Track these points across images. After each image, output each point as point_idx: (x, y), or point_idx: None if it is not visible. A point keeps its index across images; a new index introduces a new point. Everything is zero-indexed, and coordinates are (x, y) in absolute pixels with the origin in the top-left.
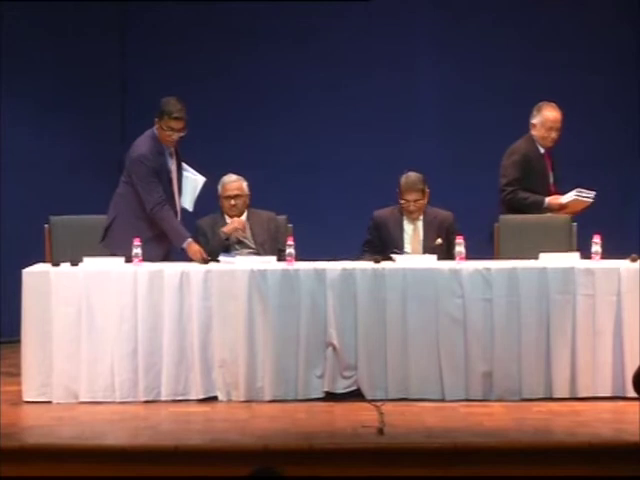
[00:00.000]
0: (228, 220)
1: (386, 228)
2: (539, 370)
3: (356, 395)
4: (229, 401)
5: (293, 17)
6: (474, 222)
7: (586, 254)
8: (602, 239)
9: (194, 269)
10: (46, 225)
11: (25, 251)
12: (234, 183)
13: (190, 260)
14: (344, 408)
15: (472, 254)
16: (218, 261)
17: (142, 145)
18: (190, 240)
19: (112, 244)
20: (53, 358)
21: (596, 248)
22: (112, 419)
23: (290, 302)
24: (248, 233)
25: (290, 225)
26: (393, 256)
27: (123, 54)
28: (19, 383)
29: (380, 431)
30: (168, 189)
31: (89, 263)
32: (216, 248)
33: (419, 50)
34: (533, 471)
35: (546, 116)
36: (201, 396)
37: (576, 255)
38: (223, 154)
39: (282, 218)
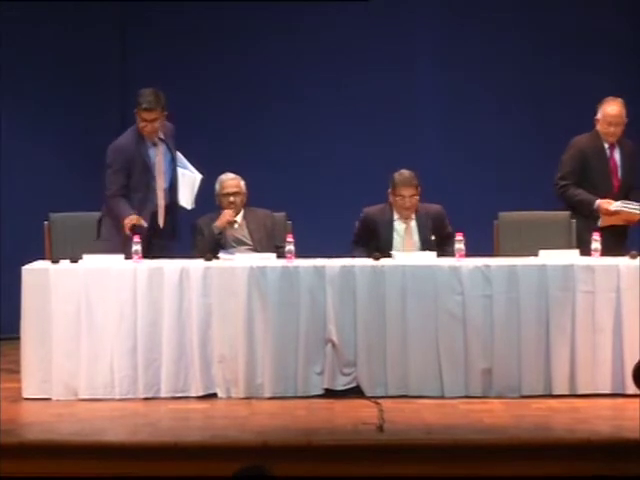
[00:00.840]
0: None
1: (376, 227)
2: (539, 367)
3: (356, 392)
4: (229, 398)
5: (293, 17)
6: (473, 219)
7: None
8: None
9: (194, 266)
10: (46, 222)
11: (25, 248)
12: (232, 181)
13: (190, 257)
14: (344, 405)
15: (471, 251)
16: (218, 258)
17: (121, 137)
18: (129, 216)
19: (105, 242)
20: (53, 355)
21: (595, 245)
22: (112, 416)
23: (290, 299)
24: (245, 231)
25: (289, 222)
26: (392, 253)
27: (123, 53)
28: (19, 380)
29: (380, 428)
30: (143, 181)
31: (89, 260)
32: (210, 245)
33: (418, 49)
34: (532, 468)
35: (606, 111)
36: (201, 393)
37: (576, 252)
38: (223, 152)
39: (281, 215)
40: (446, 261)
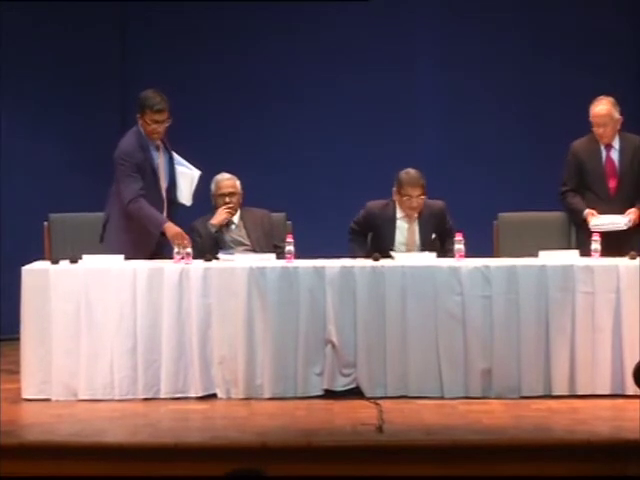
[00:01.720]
0: None
1: (378, 222)
2: (538, 367)
3: (355, 393)
4: (228, 398)
5: (293, 17)
6: (472, 219)
7: None
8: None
9: (194, 266)
10: (45, 222)
11: (24, 248)
12: (228, 181)
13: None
14: (343, 405)
15: (471, 252)
16: (217, 258)
17: (124, 142)
18: (168, 223)
19: (108, 246)
20: (52, 355)
21: (595, 246)
22: (111, 416)
23: (289, 299)
24: (242, 231)
25: (289, 222)
26: (392, 253)
27: (123, 53)
28: (19, 381)
29: (379, 428)
30: (153, 183)
31: (88, 260)
32: (208, 244)
33: (418, 49)
34: (532, 469)
35: (593, 111)
36: (200, 393)
37: (575, 253)
38: (222, 152)
39: (281, 215)
40: (446, 262)
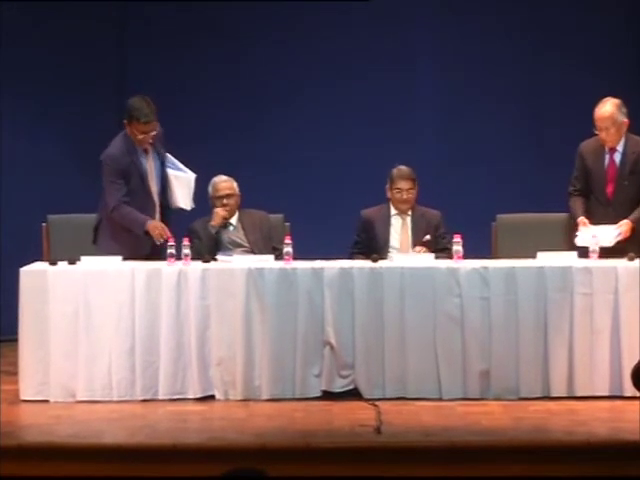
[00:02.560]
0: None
1: (373, 225)
2: (537, 369)
3: (353, 394)
4: (226, 400)
5: (292, 17)
6: (471, 221)
7: None
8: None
9: (192, 268)
10: (44, 224)
11: (23, 250)
12: (225, 183)
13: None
14: (341, 407)
15: (469, 253)
16: (216, 260)
17: (111, 146)
18: (150, 221)
19: (102, 248)
20: (50, 357)
21: (594, 247)
22: (110, 418)
23: (288, 301)
24: (241, 233)
25: (287, 224)
26: (390, 255)
27: (122, 54)
28: (18, 382)
29: (377, 430)
30: (142, 187)
31: (87, 262)
32: (208, 245)
33: (418, 50)
34: (531, 470)
35: (595, 114)
36: (198, 395)
37: (574, 254)
38: (220, 154)
39: (279, 217)
40: (444, 263)
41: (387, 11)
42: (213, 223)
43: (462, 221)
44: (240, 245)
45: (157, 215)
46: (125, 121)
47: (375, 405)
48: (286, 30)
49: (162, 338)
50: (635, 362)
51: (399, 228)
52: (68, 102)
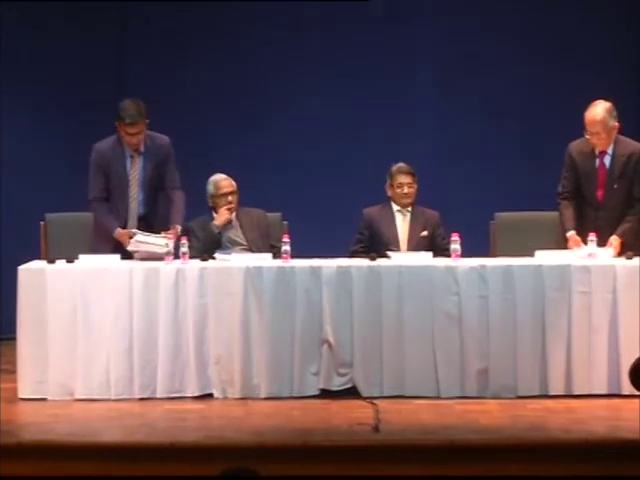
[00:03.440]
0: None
1: (378, 224)
2: (534, 367)
3: (351, 392)
4: (225, 398)
5: (290, 16)
6: (469, 219)
7: None
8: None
9: (190, 266)
10: (42, 222)
11: (21, 248)
12: (226, 181)
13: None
14: (339, 405)
15: (467, 251)
16: (214, 258)
17: (103, 141)
18: (118, 229)
19: (91, 243)
20: (49, 355)
21: (592, 246)
22: (108, 416)
23: (286, 299)
24: (239, 231)
25: (285, 222)
26: (389, 253)
27: (121, 54)
28: (16, 380)
29: (375, 428)
30: (119, 190)
31: (85, 260)
32: (210, 244)
33: (415, 49)
34: (528, 468)
35: (586, 118)
36: (197, 393)
37: (572, 252)
38: (218, 152)
39: (277, 215)
40: (442, 261)
41: (385, 11)
42: (217, 223)
43: (460, 220)
44: (238, 243)
45: (133, 221)
46: (116, 122)
47: (373, 403)
48: (284, 29)
49: (160, 336)
50: (633, 360)
51: (401, 225)
52: (67, 101)
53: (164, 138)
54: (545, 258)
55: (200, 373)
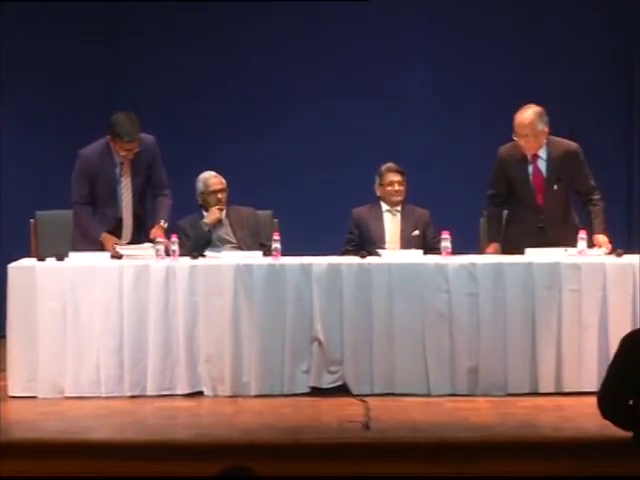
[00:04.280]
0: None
1: (366, 224)
2: (525, 365)
3: (342, 390)
4: (215, 396)
5: (282, 14)
6: (459, 217)
7: None
8: (587, 235)
9: (180, 264)
10: (32, 220)
11: (10, 246)
12: (216, 178)
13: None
14: (330, 403)
15: (457, 249)
16: (204, 256)
17: (90, 146)
18: (104, 234)
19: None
20: (38, 353)
21: (581, 244)
22: (98, 414)
23: (276, 297)
24: (228, 229)
25: (275, 220)
26: (379, 251)
27: (114, 53)
28: (5, 378)
29: (366, 426)
30: (107, 196)
31: (75, 258)
32: (200, 242)
33: (408, 49)
34: (518, 466)
35: (515, 121)
36: (187, 391)
37: (562, 250)
38: (207, 150)
39: (267, 213)
40: (432, 259)
41: (377, 10)
42: (207, 221)
43: (450, 217)
44: (228, 242)
45: (128, 228)
46: (109, 135)
47: (363, 401)
48: (276, 28)
49: (150, 334)
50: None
51: (390, 225)
52: (58, 101)
53: (150, 138)
54: (535, 256)
55: (190, 371)
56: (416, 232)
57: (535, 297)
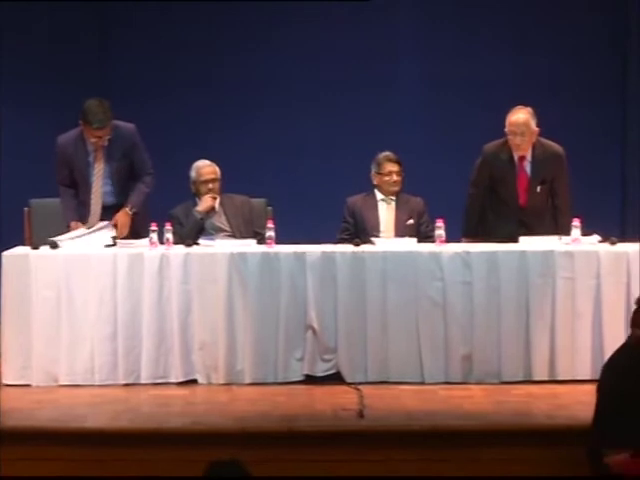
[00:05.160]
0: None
1: (361, 213)
2: (518, 353)
3: (336, 378)
4: (209, 384)
5: (272, 5)
6: (453, 205)
7: None
8: (582, 222)
9: (174, 252)
10: (26, 208)
11: (4, 234)
12: (209, 167)
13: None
14: (324, 391)
15: (452, 237)
16: (198, 244)
17: (66, 134)
18: (72, 222)
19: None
20: (33, 341)
21: (576, 231)
22: (92, 402)
23: (270, 285)
24: (223, 217)
25: (270, 208)
26: (373, 239)
27: (105, 40)
28: (0, 366)
29: (360, 414)
30: (82, 183)
31: (68, 246)
32: (193, 231)
33: (401, 40)
34: (512, 453)
35: (510, 119)
36: (181, 379)
37: (555, 238)
38: (202, 138)
39: (261, 201)
40: (426, 247)
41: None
42: (200, 209)
43: (444, 205)
44: (222, 230)
45: (97, 214)
46: (80, 120)
47: (357, 389)
48: (270, 17)
49: (144, 322)
50: (617, 346)
51: (385, 214)
52: (51, 89)
53: (129, 126)
54: (529, 244)
55: (184, 359)
56: (410, 221)
57: (529, 285)
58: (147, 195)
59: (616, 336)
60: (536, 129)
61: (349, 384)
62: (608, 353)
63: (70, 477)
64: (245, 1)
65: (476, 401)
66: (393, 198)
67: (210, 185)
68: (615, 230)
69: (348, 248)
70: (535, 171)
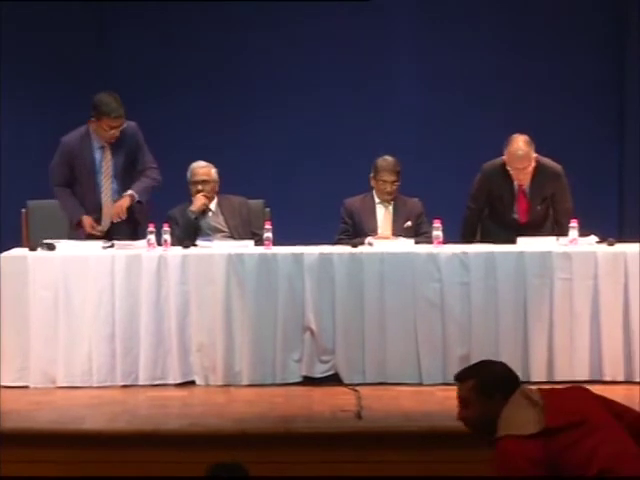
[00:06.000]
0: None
1: (359, 215)
2: (516, 354)
3: (334, 379)
4: (207, 385)
5: (270, 5)
6: (450, 206)
7: None
8: (579, 223)
9: (172, 253)
10: (23, 210)
11: (2, 236)
12: (202, 169)
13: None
14: (322, 392)
15: (449, 238)
16: (196, 245)
17: (71, 134)
18: (83, 216)
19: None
20: (30, 343)
21: (573, 232)
22: (90, 403)
23: (268, 286)
24: (220, 218)
25: (267, 209)
26: (371, 240)
27: (104, 40)
28: None
29: (358, 415)
30: (86, 180)
31: (66, 247)
32: (188, 231)
33: (399, 40)
34: None
35: (510, 152)
36: (179, 380)
37: (553, 239)
38: (200, 139)
39: (259, 202)
40: (424, 248)
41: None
42: (193, 209)
43: (442, 206)
44: (220, 230)
45: (108, 211)
46: (92, 118)
47: (355, 390)
48: (268, 18)
49: (142, 324)
50: (615, 346)
51: (382, 217)
52: (49, 90)
53: (131, 124)
54: (527, 245)
55: (182, 360)
56: (408, 223)
57: (527, 286)
58: (152, 187)
59: (614, 337)
60: (534, 155)
61: (347, 385)
62: (606, 354)
63: (68, 479)
64: (245, 1)
65: None
66: (391, 202)
67: (200, 186)
68: (613, 231)
69: (346, 249)
70: (534, 193)
